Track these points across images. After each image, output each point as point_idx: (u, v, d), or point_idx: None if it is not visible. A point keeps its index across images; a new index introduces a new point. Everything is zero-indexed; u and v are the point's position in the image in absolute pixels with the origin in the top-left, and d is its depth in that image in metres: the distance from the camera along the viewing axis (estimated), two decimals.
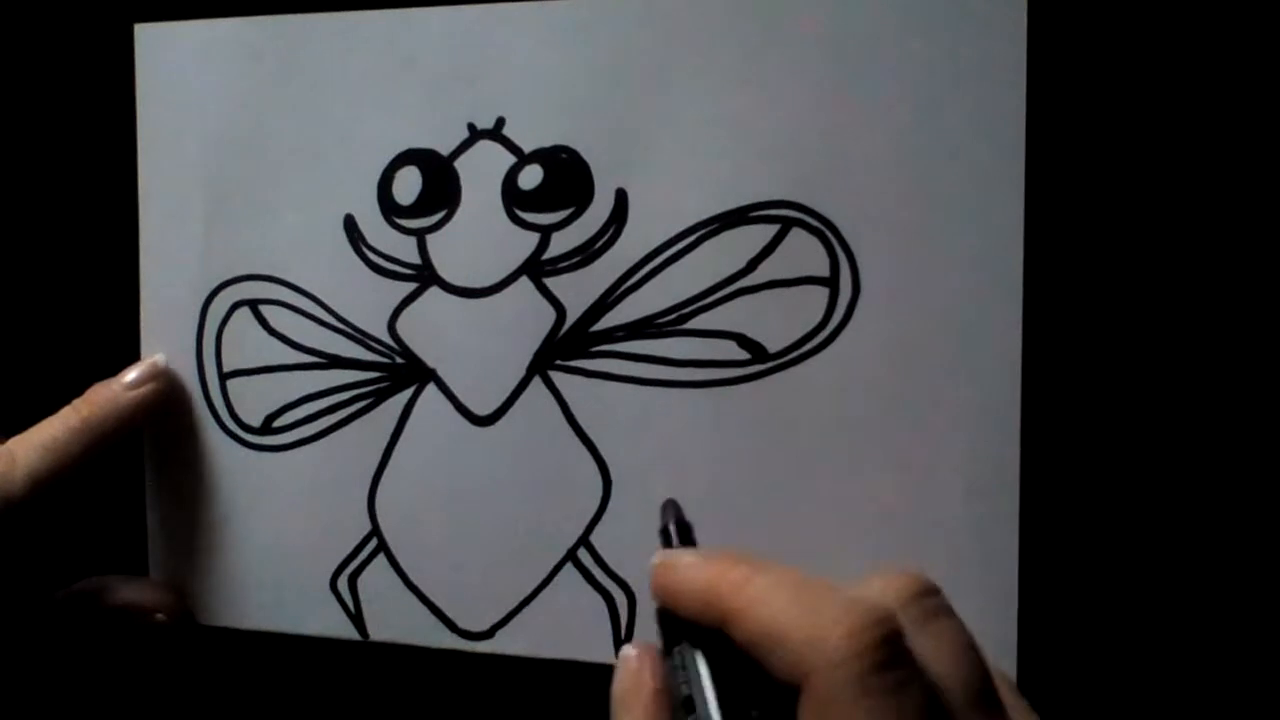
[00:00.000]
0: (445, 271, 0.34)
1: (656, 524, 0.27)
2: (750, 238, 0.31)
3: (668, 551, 0.26)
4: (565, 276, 0.33)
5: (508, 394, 0.33)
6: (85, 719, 0.38)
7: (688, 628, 0.25)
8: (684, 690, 0.25)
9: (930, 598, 0.24)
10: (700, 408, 0.31)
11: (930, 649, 0.23)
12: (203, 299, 0.36)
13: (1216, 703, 0.29)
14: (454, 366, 0.34)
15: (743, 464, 0.31)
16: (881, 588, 0.24)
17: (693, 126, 0.31)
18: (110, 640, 0.36)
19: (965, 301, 0.30)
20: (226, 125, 0.35)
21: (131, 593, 0.36)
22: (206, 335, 0.36)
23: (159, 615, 0.36)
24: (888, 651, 0.22)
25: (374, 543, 0.35)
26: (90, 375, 0.36)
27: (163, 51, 0.36)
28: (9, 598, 0.34)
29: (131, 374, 0.35)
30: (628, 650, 0.26)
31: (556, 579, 0.33)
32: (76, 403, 0.35)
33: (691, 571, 0.25)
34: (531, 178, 0.33)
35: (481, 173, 0.33)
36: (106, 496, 0.37)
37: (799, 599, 0.23)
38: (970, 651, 0.23)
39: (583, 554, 0.33)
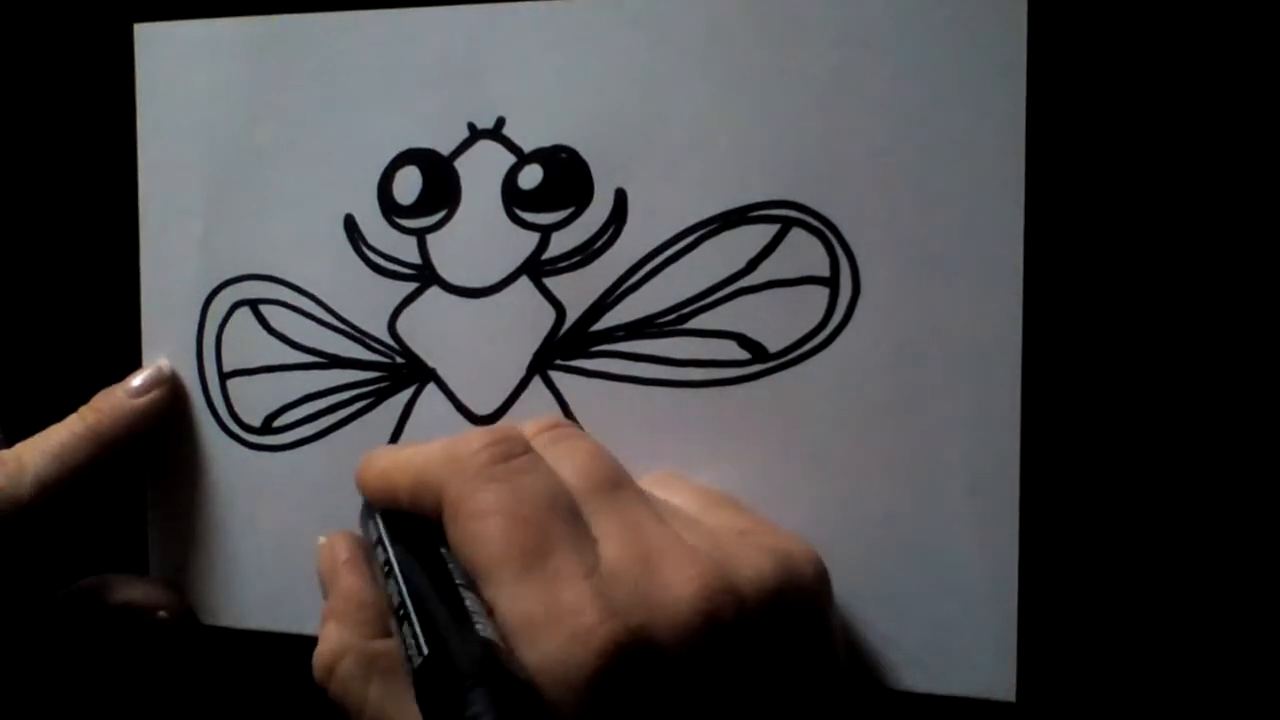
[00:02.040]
0: (445, 271, 0.34)
1: None
2: (750, 238, 0.31)
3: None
4: (565, 276, 0.33)
5: (508, 394, 0.33)
6: (85, 719, 0.38)
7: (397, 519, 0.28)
8: (380, 554, 0.28)
9: (563, 428, 0.29)
10: (700, 407, 0.32)
11: (560, 458, 0.27)
12: (203, 299, 0.36)
13: (1217, 703, 0.29)
14: (454, 366, 0.34)
15: (743, 464, 0.31)
16: (519, 425, 0.28)
17: (693, 126, 0.31)
18: (111, 639, 0.36)
19: (965, 301, 0.30)
20: (226, 125, 0.35)
21: (133, 591, 0.36)
22: (206, 335, 0.36)
23: (160, 613, 0.36)
24: (508, 448, 0.26)
25: None
26: (91, 375, 0.36)
27: (163, 51, 0.36)
28: (13, 599, 0.34)
29: (137, 380, 0.35)
30: (320, 538, 0.31)
31: None
32: (83, 410, 0.35)
33: (375, 460, 0.29)
34: (531, 178, 0.33)
35: (481, 173, 0.33)
36: (106, 496, 0.37)
37: (441, 445, 0.27)
38: (596, 455, 0.27)
39: None
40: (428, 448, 0.27)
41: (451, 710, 0.21)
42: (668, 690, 0.23)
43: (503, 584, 0.24)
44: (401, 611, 0.25)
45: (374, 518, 0.29)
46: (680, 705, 0.23)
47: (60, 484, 0.33)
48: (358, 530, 0.31)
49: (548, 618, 0.23)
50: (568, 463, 0.27)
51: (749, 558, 0.26)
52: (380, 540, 0.28)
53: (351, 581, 0.29)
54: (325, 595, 0.30)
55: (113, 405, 0.35)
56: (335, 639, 0.27)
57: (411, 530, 0.28)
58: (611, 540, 0.25)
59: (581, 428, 0.32)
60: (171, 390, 0.36)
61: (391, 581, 0.26)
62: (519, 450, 0.26)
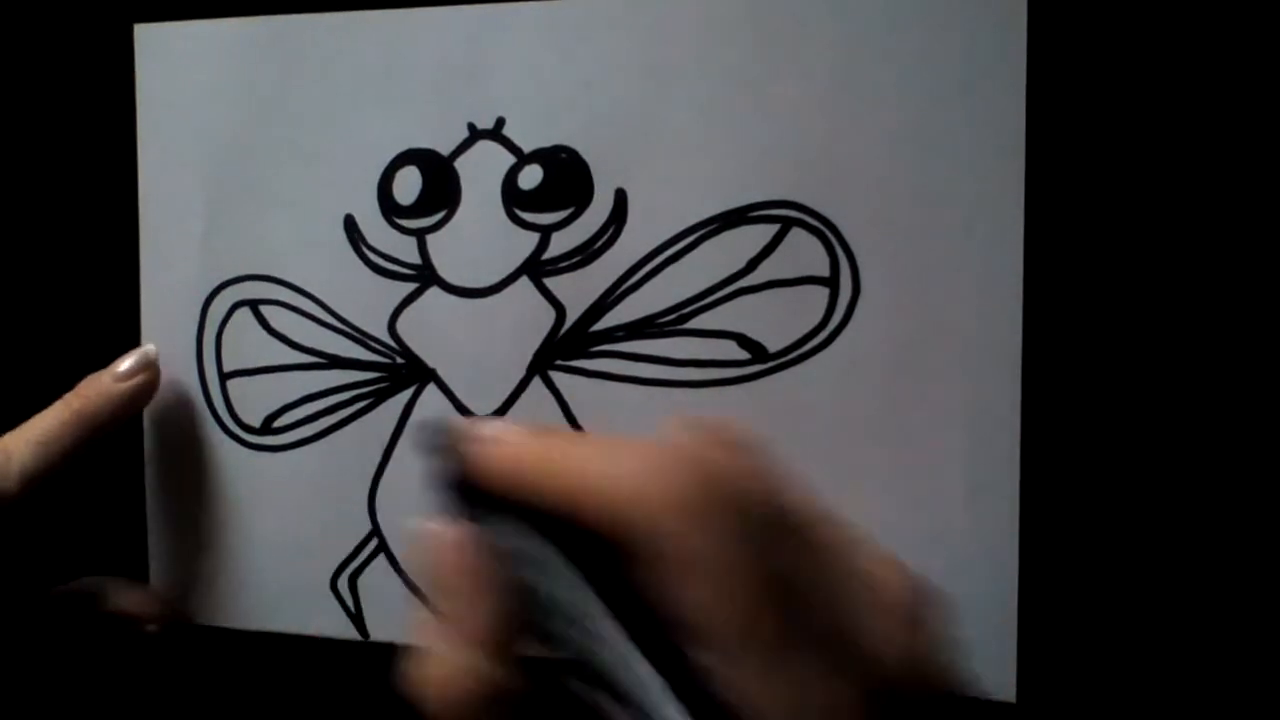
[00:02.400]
0: (445, 271, 0.34)
1: None
2: (750, 238, 0.31)
3: (484, 422, 0.24)
4: (565, 276, 0.33)
5: (508, 394, 0.33)
6: (83, 718, 0.38)
7: (491, 503, 0.23)
8: (527, 578, 0.22)
9: (743, 446, 0.23)
10: (700, 408, 0.31)
11: (760, 492, 0.22)
12: (203, 299, 0.36)
13: (1217, 703, 0.29)
14: (454, 366, 0.34)
15: None
16: (690, 438, 0.22)
17: (693, 126, 0.31)
18: (102, 642, 0.36)
19: (965, 301, 0.30)
20: (226, 125, 0.35)
21: (126, 599, 0.36)
22: (206, 335, 0.36)
23: (150, 627, 0.36)
24: (724, 480, 0.21)
25: (374, 543, 0.35)
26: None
27: (163, 51, 0.36)
28: (4, 592, 0.34)
29: (123, 365, 0.35)
30: (431, 525, 0.24)
31: None
32: (68, 396, 0.34)
33: (518, 446, 0.23)
34: (531, 178, 0.33)
35: (481, 173, 0.33)
36: (106, 496, 0.37)
37: (639, 460, 0.21)
38: (781, 478, 0.22)
39: None
40: (606, 455, 0.22)
41: None
42: None
43: (744, 663, 0.20)
44: (611, 675, 0.21)
45: (525, 527, 0.23)
46: None
47: (47, 472, 0.33)
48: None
49: (807, 711, 0.20)
50: (756, 483, 0.22)
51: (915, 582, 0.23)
52: (534, 561, 0.23)
53: (498, 600, 0.23)
54: (439, 597, 0.24)
55: (98, 390, 0.34)
56: (467, 661, 0.23)
57: (572, 547, 0.22)
58: (838, 591, 0.21)
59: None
60: (157, 374, 0.36)
61: (578, 629, 0.22)
62: (737, 486, 0.21)
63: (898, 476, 0.30)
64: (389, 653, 0.35)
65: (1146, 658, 0.30)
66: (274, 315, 0.35)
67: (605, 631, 0.21)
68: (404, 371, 0.34)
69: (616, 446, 0.22)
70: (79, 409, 0.34)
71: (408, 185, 0.34)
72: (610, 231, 0.32)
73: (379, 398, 0.35)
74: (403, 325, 0.34)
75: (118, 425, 0.35)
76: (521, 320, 0.33)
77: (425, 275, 0.34)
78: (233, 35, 0.35)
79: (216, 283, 0.36)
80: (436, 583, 0.24)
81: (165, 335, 0.36)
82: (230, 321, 0.36)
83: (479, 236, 0.33)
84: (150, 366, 0.35)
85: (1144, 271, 0.29)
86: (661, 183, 0.32)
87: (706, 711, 0.20)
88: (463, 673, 0.23)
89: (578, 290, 0.32)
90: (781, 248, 0.31)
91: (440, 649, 0.23)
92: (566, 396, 0.33)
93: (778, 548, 0.21)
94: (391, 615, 0.35)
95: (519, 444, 0.23)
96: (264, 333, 0.35)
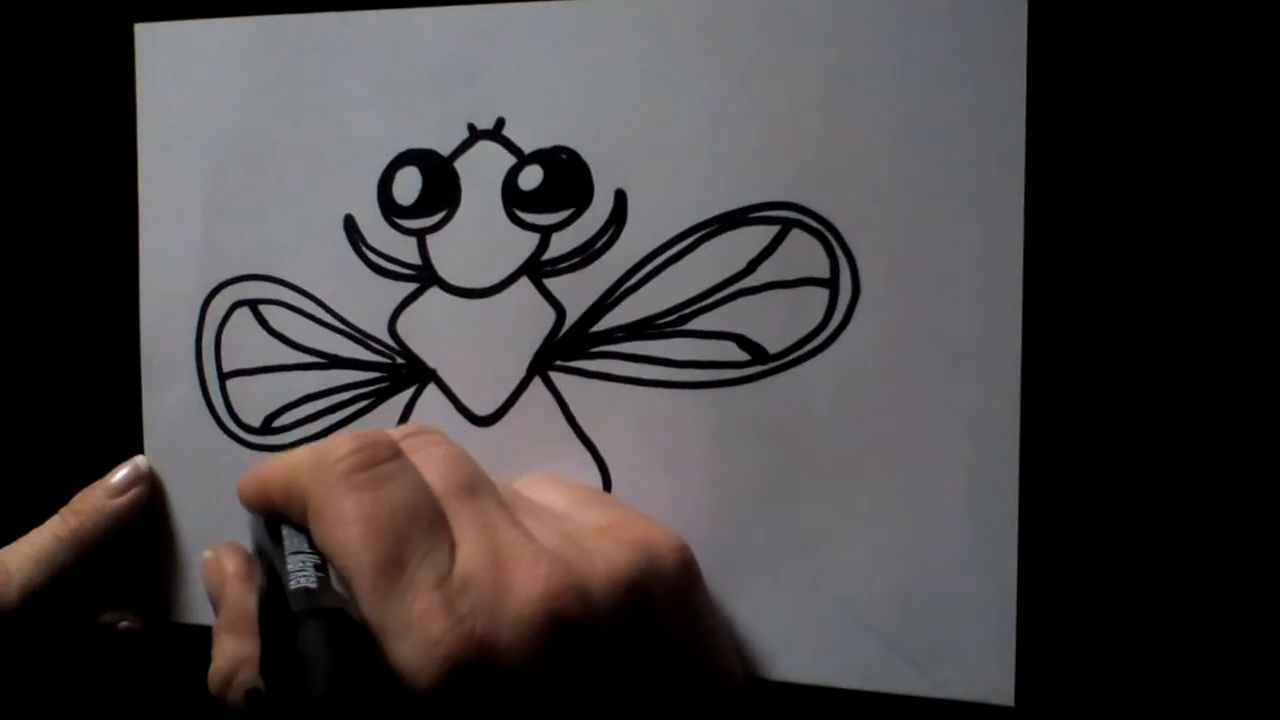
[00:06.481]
0: (445, 272, 0.34)
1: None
2: (750, 239, 0.31)
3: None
4: (565, 277, 0.33)
5: (508, 394, 0.33)
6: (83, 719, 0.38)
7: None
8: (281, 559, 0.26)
9: (425, 434, 0.29)
10: (700, 408, 0.31)
11: (419, 463, 0.27)
12: (202, 299, 0.36)
13: (1217, 704, 0.29)
14: (454, 367, 0.34)
15: (743, 464, 0.31)
16: (387, 430, 0.28)
17: (693, 126, 0.31)
18: (97, 644, 0.36)
19: (965, 301, 0.30)
20: (226, 125, 0.35)
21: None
22: (206, 335, 0.36)
23: (123, 624, 0.36)
24: (374, 453, 0.26)
25: None
26: (88, 375, 0.36)
27: (163, 51, 0.36)
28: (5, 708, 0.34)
29: (116, 478, 0.36)
30: (205, 552, 0.31)
31: None
32: (64, 512, 0.35)
33: (252, 470, 0.29)
34: (531, 178, 0.33)
35: (481, 173, 0.33)
36: None
37: (310, 449, 0.27)
38: (454, 459, 0.28)
39: None
40: (299, 452, 0.27)
41: (285, 641, 0.22)
42: (517, 690, 0.24)
43: (364, 592, 0.24)
44: (262, 593, 0.26)
45: (256, 523, 0.29)
46: (532, 703, 0.24)
47: (44, 587, 0.34)
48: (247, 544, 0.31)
49: (401, 627, 0.24)
50: (427, 467, 0.27)
51: (604, 552, 0.26)
52: (259, 545, 0.28)
53: (241, 593, 0.29)
54: (215, 609, 0.30)
55: (93, 507, 0.35)
56: (231, 651, 0.28)
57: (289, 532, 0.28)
58: (466, 544, 0.25)
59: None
60: (150, 486, 0.36)
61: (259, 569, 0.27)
62: (385, 456, 0.26)
63: (898, 477, 0.30)
64: None
65: (1145, 663, 0.30)
66: (274, 315, 0.35)
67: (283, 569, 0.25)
68: (404, 372, 0.34)
69: (304, 447, 0.28)
70: (76, 527, 0.35)
71: (408, 185, 0.34)
72: (610, 232, 0.32)
73: (379, 398, 0.35)
74: (403, 325, 0.34)
75: (113, 537, 0.35)
76: (521, 321, 0.33)
77: (425, 275, 0.34)
78: (233, 35, 0.35)
79: (216, 282, 0.36)
80: (208, 592, 0.30)
81: (165, 335, 0.36)
82: (230, 321, 0.36)
83: (479, 237, 0.33)
84: (143, 479, 0.36)
85: (1145, 272, 0.29)
86: (661, 183, 0.32)
87: (348, 626, 0.23)
88: (239, 657, 0.28)
89: (578, 291, 0.32)
90: (781, 249, 0.31)
91: (220, 645, 0.28)
92: (566, 397, 0.33)
93: (419, 504, 0.25)
94: None
95: (247, 472, 0.29)
96: (264, 333, 0.36)
